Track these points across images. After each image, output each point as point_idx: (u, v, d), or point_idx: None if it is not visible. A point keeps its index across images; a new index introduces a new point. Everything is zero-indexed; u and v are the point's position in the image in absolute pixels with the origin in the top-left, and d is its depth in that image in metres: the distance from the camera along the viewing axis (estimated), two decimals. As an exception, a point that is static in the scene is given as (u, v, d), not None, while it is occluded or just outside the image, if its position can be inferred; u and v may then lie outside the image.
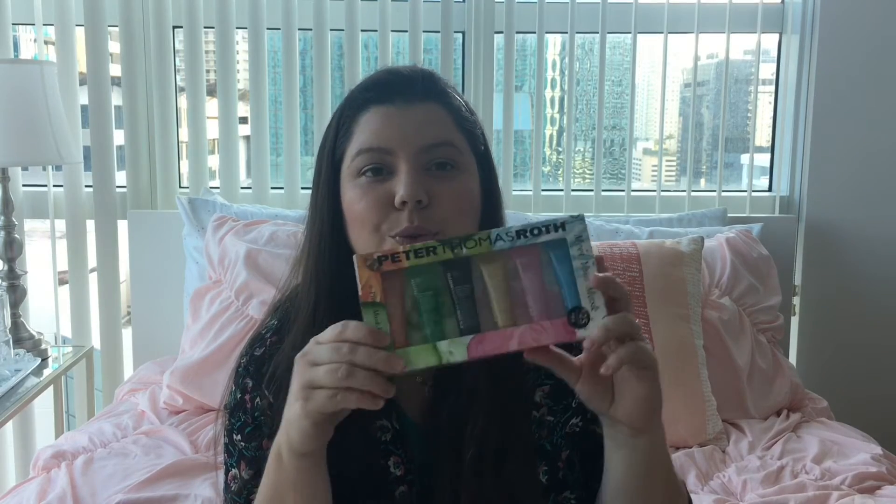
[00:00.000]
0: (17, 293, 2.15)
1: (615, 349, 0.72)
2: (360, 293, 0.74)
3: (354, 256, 0.74)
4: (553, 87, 2.56)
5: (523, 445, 0.89)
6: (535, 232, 0.74)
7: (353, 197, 0.87)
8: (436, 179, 0.86)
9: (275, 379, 0.91)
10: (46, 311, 2.50)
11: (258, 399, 0.93)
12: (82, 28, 2.29)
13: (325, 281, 0.90)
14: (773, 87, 2.53)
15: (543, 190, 2.44)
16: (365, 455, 0.90)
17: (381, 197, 0.86)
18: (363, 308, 0.74)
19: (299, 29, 2.35)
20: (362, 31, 2.33)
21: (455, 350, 0.73)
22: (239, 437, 0.94)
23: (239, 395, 0.95)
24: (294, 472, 0.80)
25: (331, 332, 0.74)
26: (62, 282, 2.43)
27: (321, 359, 0.73)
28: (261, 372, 0.93)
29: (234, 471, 0.95)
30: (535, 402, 0.92)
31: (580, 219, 0.75)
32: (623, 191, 2.44)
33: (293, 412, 0.76)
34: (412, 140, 0.86)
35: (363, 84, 0.92)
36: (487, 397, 0.88)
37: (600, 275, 0.73)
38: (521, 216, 2.20)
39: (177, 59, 2.41)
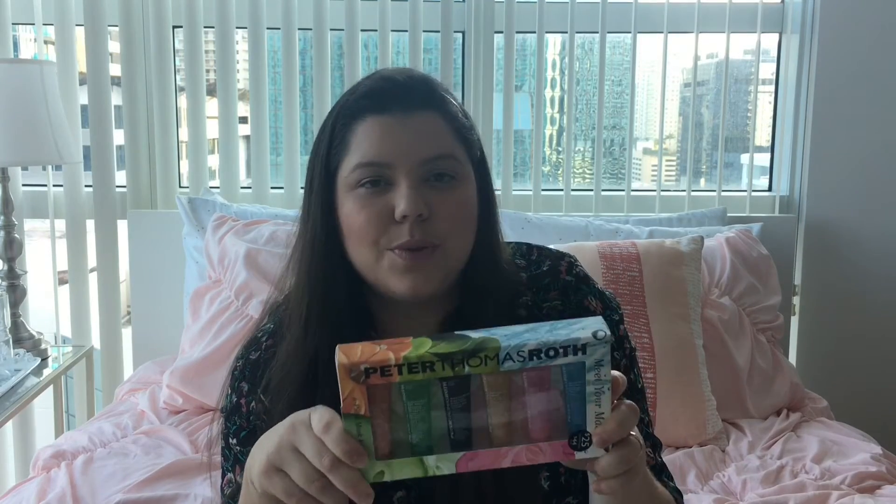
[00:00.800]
0: (16, 293, 2.15)
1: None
2: (342, 403, 0.66)
3: (337, 360, 0.65)
4: (553, 87, 2.56)
5: None
6: (551, 354, 0.65)
7: (352, 209, 0.86)
8: (435, 191, 0.85)
9: (270, 383, 0.90)
10: (46, 310, 2.50)
11: (253, 403, 0.92)
12: (82, 28, 2.29)
13: (318, 290, 0.89)
14: (772, 87, 2.53)
15: (543, 190, 2.44)
16: None
17: (380, 210, 0.85)
18: (345, 418, 0.67)
19: (299, 29, 2.35)
20: (362, 30, 2.33)
21: (443, 465, 0.68)
22: (234, 441, 0.93)
23: (234, 399, 0.94)
24: (259, 501, 0.77)
25: (317, 421, 0.69)
26: (62, 281, 2.43)
27: (304, 450, 0.70)
28: (256, 376, 0.92)
29: (229, 475, 0.94)
30: None
31: (604, 341, 0.66)
32: (623, 190, 2.44)
33: (253, 466, 0.74)
34: (411, 153, 0.85)
35: (357, 91, 0.89)
36: None
37: (615, 417, 0.70)
38: (521, 216, 2.20)
39: (177, 59, 2.41)
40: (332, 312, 0.88)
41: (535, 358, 0.66)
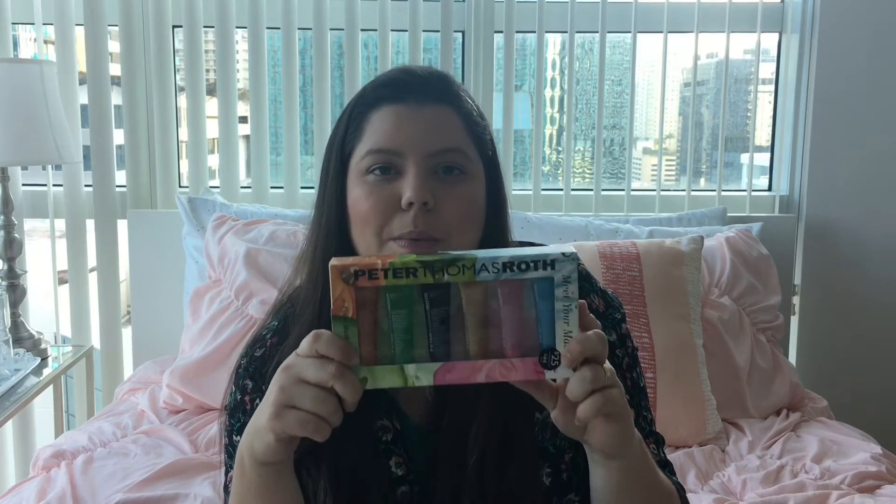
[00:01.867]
0: (16, 293, 2.15)
1: (588, 398, 0.73)
2: (331, 305, 0.72)
3: (330, 264, 0.71)
4: (553, 87, 2.56)
5: (525, 448, 0.89)
6: (523, 267, 0.71)
7: (360, 195, 0.87)
8: (443, 183, 0.86)
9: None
10: (46, 310, 2.50)
11: (258, 400, 0.92)
12: (82, 27, 2.29)
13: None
14: (772, 87, 2.53)
15: (543, 189, 2.44)
16: (366, 454, 0.89)
17: (387, 197, 0.85)
18: (333, 320, 0.72)
19: (299, 28, 2.35)
20: (362, 30, 2.33)
21: (422, 375, 0.72)
22: (238, 438, 0.93)
23: (239, 396, 0.95)
24: (257, 479, 0.80)
25: (306, 342, 0.73)
26: (62, 281, 2.43)
27: (308, 375, 0.73)
28: (261, 373, 0.93)
29: (233, 472, 0.95)
30: (537, 404, 0.92)
31: (571, 258, 0.71)
32: (623, 190, 2.44)
33: (260, 422, 0.76)
34: (422, 143, 0.86)
35: (377, 81, 0.91)
36: (490, 399, 0.87)
37: (585, 333, 0.73)
38: (521, 216, 2.20)
39: (176, 59, 2.41)
40: None
41: (507, 270, 0.71)
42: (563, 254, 0.71)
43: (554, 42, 2.56)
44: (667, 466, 0.98)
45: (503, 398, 0.87)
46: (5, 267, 2.14)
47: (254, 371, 0.94)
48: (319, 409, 0.72)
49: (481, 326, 0.72)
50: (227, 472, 0.96)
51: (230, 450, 0.95)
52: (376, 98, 0.89)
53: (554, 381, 0.75)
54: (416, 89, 0.88)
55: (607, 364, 0.75)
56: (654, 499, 0.85)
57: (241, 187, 2.42)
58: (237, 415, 0.94)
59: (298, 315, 0.92)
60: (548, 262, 0.71)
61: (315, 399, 0.72)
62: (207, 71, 2.39)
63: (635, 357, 0.98)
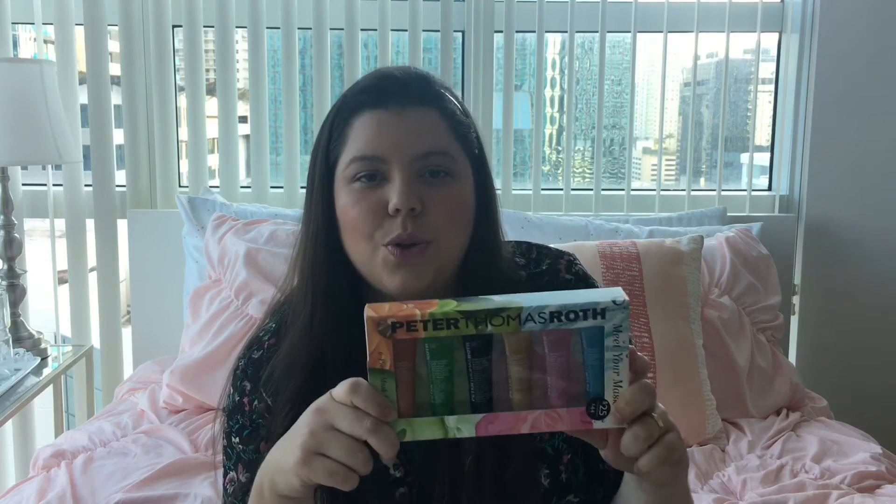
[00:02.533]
0: (16, 292, 2.15)
1: (646, 454, 0.72)
2: (368, 357, 0.69)
3: (366, 314, 0.68)
4: (553, 87, 2.56)
5: (523, 449, 0.88)
6: (572, 317, 0.67)
7: (347, 202, 0.87)
8: (429, 186, 0.86)
9: (272, 382, 0.91)
10: (46, 310, 2.50)
11: (256, 402, 0.93)
12: (82, 27, 2.29)
13: (322, 283, 0.90)
14: (772, 87, 2.53)
15: (543, 189, 2.44)
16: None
17: (374, 204, 0.85)
18: (370, 373, 0.69)
19: (299, 28, 2.35)
20: (362, 30, 2.33)
21: (463, 427, 0.69)
22: (237, 439, 0.94)
23: (237, 398, 0.95)
24: None
25: (342, 390, 0.71)
26: (62, 281, 2.43)
27: (342, 425, 0.70)
28: (259, 375, 0.93)
29: (231, 473, 0.95)
30: None
31: (623, 306, 0.68)
32: (623, 190, 2.44)
33: (286, 463, 0.73)
34: (406, 148, 0.86)
35: (357, 86, 0.91)
36: None
37: (631, 389, 0.71)
38: (521, 215, 2.20)
39: (176, 59, 2.41)
40: (335, 306, 0.89)
41: (555, 320, 0.67)
42: (615, 301, 0.68)
43: (554, 42, 2.56)
44: None
45: None
46: (5, 267, 2.14)
47: (252, 373, 0.94)
48: (351, 460, 0.70)
49: (525, 373, 0.69)
50: (225, 474, 0.96)
51: (228, 451, 0.95)
52: (357, 104, 0.89)
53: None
54: (397, 93, 0.88)
55: (660, 407, 0.74)
56: None
57: (241, 187, 2.41)
58: (235, 416, 0.94)
59: (290, 323, 0.92)
60: (598, 311, 0.68)
61: (347, 450, 0.70)
62: (207, 71, 2.39)
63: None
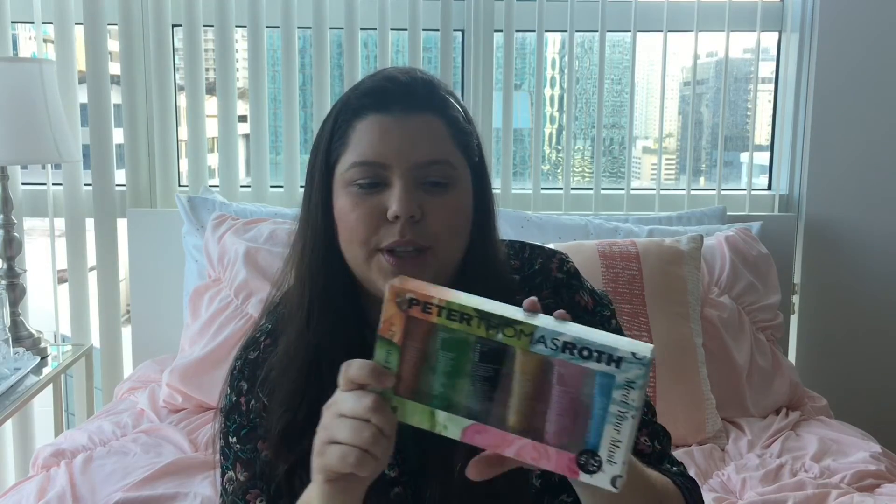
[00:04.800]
0: (16, 292, 2.15)
1: None
2: (380, 325, 0.69)
3: (390, 283, 0.69)
4: (552, 86, 2.56)
5: None
6: (585, 354, 0.65)
7: (346, 206, 0.87)
8: (429, 194, 0.86)
9: (268, 381, 0.91)
10: (46, 309, 2.50)
11: (253, 401, 0.93)
12: (81, 26, 2.29)
13: (319, 285, 0.90)
14: (772, 86, 2.53)
15: (543, 188, 2.44)
16: None
17: (373, 209, 0.85)
18: (378, 340, 0.70)
19: (298, 27, 2.35)
20: (362, 29, 2.33)
21: (450, 427, 0.69)
22: (234, 439, 0.94)
23: (234, 398, 0.95)
24: None
25: (341, 377, 0.72)
26: (62, 280, 2.43)
27: (345, 409, 0.71)
28: (255, 375, 0.93)
29: (230, 473, 0.95)
30: None
31: (642, 363, 0.64)
32: (622, 189, 2.44)
33: (313, 469, 0.75)
34: (407, 155, 0.85)
35: (360, 88, 0.90)
36: None
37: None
38: (521, 215, 2.20)
39: (176, 58, 2.41)
40: (332, 306, 0.89)
41: (567, 351, 0.65)
42: (635, 354, 0.64)
43: (554, 41, 2.56)
44: (665, 458, 0.96)
45: None
46: (5, 266, 2.14)
47: (249, 373, 0.94)
48: (357, 439, 0.70)
49: (528, 399, 0.67)
50: (223, 474, 0.96)
51: (226, 451, 0.96)
52: (361, 106, 0.88)
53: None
54: (400, 98, 0.87)
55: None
56: None
57: (241, 186, 2.41)
58: (233, 416, 0.95)
59: (286, 324, 0.92)
60: (614, 359, 0.64)
61: (352, 430, 0.70)
62: (207, 70, 2.39)
63: None
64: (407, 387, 0.69)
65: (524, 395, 0.67)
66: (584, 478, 0.67)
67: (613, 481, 0.66)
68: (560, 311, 0.70)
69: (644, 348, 0.65)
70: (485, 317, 0.66)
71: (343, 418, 0.71)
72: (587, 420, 0.66)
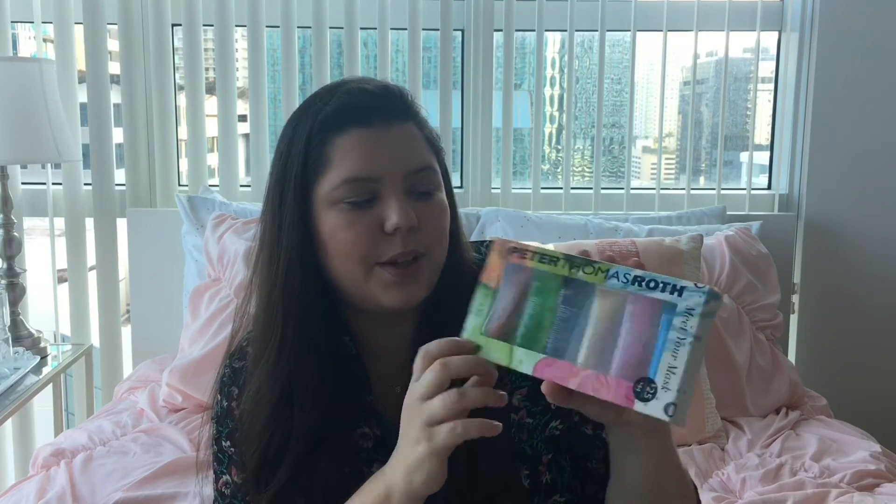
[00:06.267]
0: (16, 291, 2.15)
1: None
2: (483, 272, 0.76)
3: (496, 240, 0.77)
4: (552, 85, 2.56)
5: (500, 449, 0.87)
6: (651, 285, 0.69)
7: (338, 225, 0.85)
8: (419, 202, 0.86)
9: (244, 415, 0.91)
10: (46, 309, 2.50)
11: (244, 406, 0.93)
12: (81, 26, 2.29)
13: (294, 314, 0.88)
14: (772, 85, 2.53)
15: (543, 188, 2.44)
16: (349, 464, 0.90)
17: (369, 225, 0.85)
18: (478, 287, 0.76)
19: (298, 27, 2.35)
20: (361, 28, 2.33)
21: (525, 361, 0.73)
22: (228, 443, 0.94)
23: (225, 404, 0.95)
24: None
25: (417, 363, 0.74)
26: (61, 280, 2.43)
27: (429, 387, 0.73)
28: (242, 380, 0.94)
29: (225, 477, 0.95)
30: (513, 406, 0.91)
31: (703, 291, 0.67)
32: (622, 189, 2.44)
33: (415, 456, 0.74)
34: (396, 166, 0.85)
35: (333, 104, 0.87)
36: None
37: None
38: (520, 214, 2.20)
39: (176, 57, 2.41)
40: (308, 335, 0.88)
41: (635, 283, 0.70)
42: (697, 284, 0.68)
43: (553, 40, 2.56)
44: None
45: None
46: (5, 265, 2.14)
47: (237, 380, 0.95)
48: (455, 410, 0.72)
49: (601, 338, 0.70)
50: (217, 479, 0.97)
51: (220, 456, 0.96)
52: (339, 122, 0.86)
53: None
54: (380, 109, 0.87)
55: None
56: (685, 491, 0.86)
57: (241, 186, 2.41)
58: (225, 421, 0.95)
59: (256, 357, 0.90)
60: (677, 288, 0.68)
61: (442, 403, 0.72)
62: (207, 69, 2.39)
63: None
64: (495, 327, 0.75)
65: (597, 335, 0.71)
66: (638, 406, 0.67)
67: (666, 409, 0.67)
68: (634, 259, 0.74)
69: (708, 287, 0.69)
70: (569, 259, 0.73)
71: (428, 401, 0.72)
72: (650, 352, 0.68)
